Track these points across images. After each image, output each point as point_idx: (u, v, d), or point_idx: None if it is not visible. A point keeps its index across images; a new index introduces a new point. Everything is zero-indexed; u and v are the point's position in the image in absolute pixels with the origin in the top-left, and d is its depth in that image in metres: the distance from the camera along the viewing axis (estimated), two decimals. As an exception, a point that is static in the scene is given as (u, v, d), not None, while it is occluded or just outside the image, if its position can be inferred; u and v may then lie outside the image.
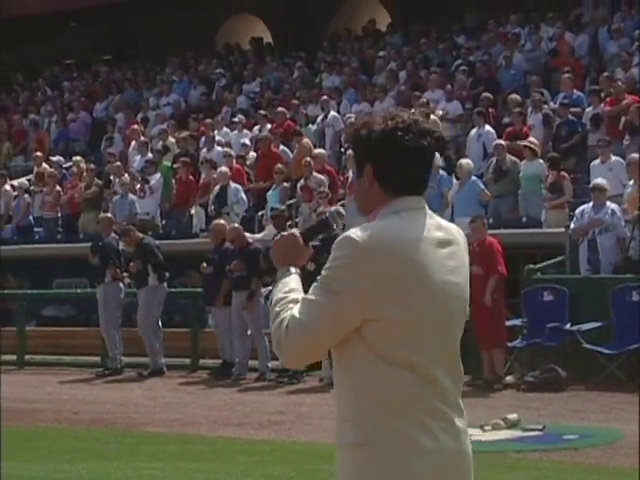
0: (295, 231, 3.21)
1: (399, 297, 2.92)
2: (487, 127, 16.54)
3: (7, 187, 19.81)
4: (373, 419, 2.95)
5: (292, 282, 3.08)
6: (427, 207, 3.06)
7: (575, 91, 17.22)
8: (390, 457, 2.93)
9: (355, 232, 2.97)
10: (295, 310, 2.97)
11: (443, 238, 3.03)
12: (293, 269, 3.13)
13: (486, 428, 9.49)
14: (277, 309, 3.01)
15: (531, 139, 15.68)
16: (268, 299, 13.58)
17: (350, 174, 16.10)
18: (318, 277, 3.01)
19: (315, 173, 16.35)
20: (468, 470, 3.07)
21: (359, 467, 2.97)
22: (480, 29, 21.69)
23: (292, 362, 3.15)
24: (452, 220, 15.27)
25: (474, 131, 16.64)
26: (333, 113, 18.97)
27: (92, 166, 19.38)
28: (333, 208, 17.75)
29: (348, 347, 2.96)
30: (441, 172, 15.40)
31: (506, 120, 17.25)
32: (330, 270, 2.97)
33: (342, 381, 3.04)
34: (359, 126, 3.09)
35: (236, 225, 14.48)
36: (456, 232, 3.11)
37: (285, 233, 3.19)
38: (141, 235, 14.55)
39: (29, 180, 20.27)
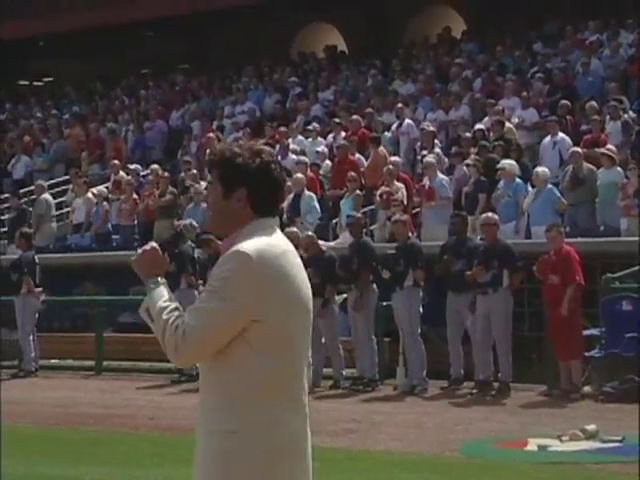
0: (154, 244, 3.61)
1: (279, 301, 3.40)
2: (562, 135, 16.36)
3: (89, 195, 20.09)
4: (246, 408, 3.35)
5: (164, 292, 3.50)
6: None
7: (655, 98, 16.98)
8: (261, 441, 3.34)
9: (243, 247, 3.40)
10: (187, 317, 3.39)
11: (294, 251, 3.55)
12: (160, 279, 3.54)
13: (563, 439, 9.37)
14: (165, 317, 3.42)
15: (609, 146, 15.48)
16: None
17: (427, 181, 16.05)
18: (205, 287, 3.47)
19: (396, 181, 16.32)
20: (310, 447, 3.54)
21: (230, 452, 3.35)
22: (558, 36, 21.48)
23: (187, 364, 3.64)
24: (528, 229, 15.14)
25: (548, 139, 16.47)
26: (408, 121, 18.92)
27: (166, 174, 19.55)
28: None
29: (229, 345, 3.38)
30: (517, 180, 15.27)
31: (584, 128, 17.05)
32: (222, 280, 3.39)
33: (217, 375, 3.41)
34: (231, 154, 3.52)
35: (310, 233, 14.50)
36: None
37: (147, 247, 3.59)
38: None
39: (107, 188, 20.54)
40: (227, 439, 3.35)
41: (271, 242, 3.47)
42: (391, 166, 16.51)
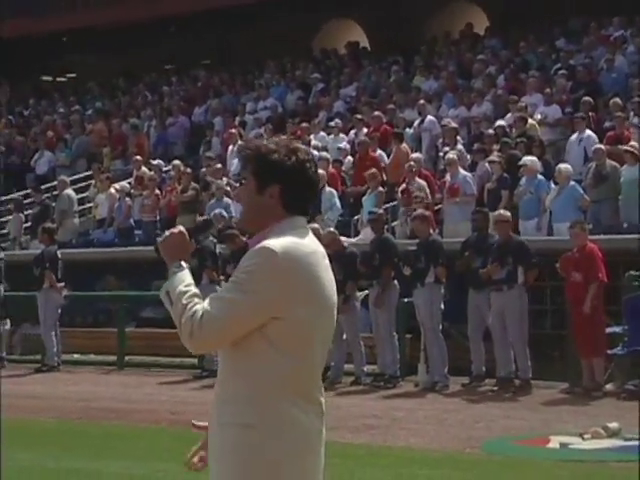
0: (182, 228, 3.61)
1: (302, 300, 3.39)
2: (588, 132, 16.29)
3: (111, 190, 20.16)
4: (263, 403, 3.36)
5: (187, 276, 3.50)
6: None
7: (679, 94, 16.87)
8: (277, 437, 3.35)
9: (271, 244, 3.40)
10: (207, 305, 3.40)
11: (323, 252, 3.54)
12: (184, 263, 3.54)
13: (586, 437, 9.34)
14: (184, 301, 3.42)
15: (633, 143, 15.40)
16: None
17: (448, 178, 16.03)
18: (231, 278, 3.47)
19: (417, 178, 16.29)
20: (323, 447, 3.53)
21: (247, 447, 3.36)
22: (581, 32, 21.38)
23: (200, 350, 3.61)
24: (550, 226, 15.10)
25: (575, 136, 16.40)
26: (430, 117, 18.89)
27: (189, 170, 19.59)
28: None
29: (247, 339, 3.38)
30: (539, 177, 15.22)
31: (607, 124, 16.97)
32: (247, 274, 3.39)
33: (234, 368, 3.43)
34: (267, 150, 3.52)
35: (332, 229, 14.50)
36: None
37: (174, 230, 3.59)
38: (244, 239, 14.63)
39: (129, 183, 20.60)
40: (243, 433, 3.35)
41: (300, 241, 3.46)
42: (412, 162, 16.49)
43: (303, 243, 3.46)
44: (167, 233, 3.59)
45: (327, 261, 3.55)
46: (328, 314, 3.51)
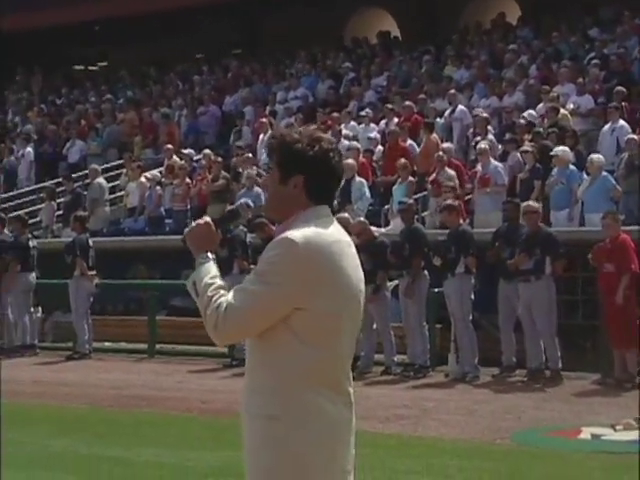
0: (208, 219, 3.64)
1: (325, 290, 3.38)
2: (621, 122, 16.18)
3: (142, 179, 20.24)
4: (288, 394, 3.36)
5: (213, 268, 3.53)
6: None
7: None
8: (303, 428, 3.35)
9: (292, 234, 3.39)
10: (231, 297, 3.41)
11: (349, 241, 3.54)
12: (210, 254, 3.57)
13: (617, 428, 9.30)
14: (210, 293, 3.45)
15: (666, 133, 15.29)
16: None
17: (479, 168, 15.97)
18: (253, 270, 3.48)
19: (447, 168, 16.25)
20: (353, 437, 3.52)
21: (273, 439, 3.37)
22: (614, 21, 21.21)
23: (224, 342, 3.60)
24: (582, 216, 15.01)
25: (608, 126, 16.29)
26: (461, 107, 18.83)
27: (219, 159, 19.62)
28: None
29: (272, 330, 3.39)
30: (571, 167, 15.14)
31: (640, 114, 16.86)
32: (269, 265, 3.40)
33: (260, 358, 3.44)
34: (291, 140, 3.52)
35: (362, 219, 14.49)
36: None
37: (200, 221, 3.62)
38: (274, 228, 14.65)
39: (160, 172, 20.67)
40: (269, 425, 3.38)
41: (322, 231, 3.45)
42: (441, 152, 16.44)
43: (326, 232, 3.46)
44: (193, 224, 3.63)
45: (353, 250, 3.53)
46: (354, 304, 3.49)
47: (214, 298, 3.43)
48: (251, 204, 16.16)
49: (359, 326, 3.58)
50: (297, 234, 3.39)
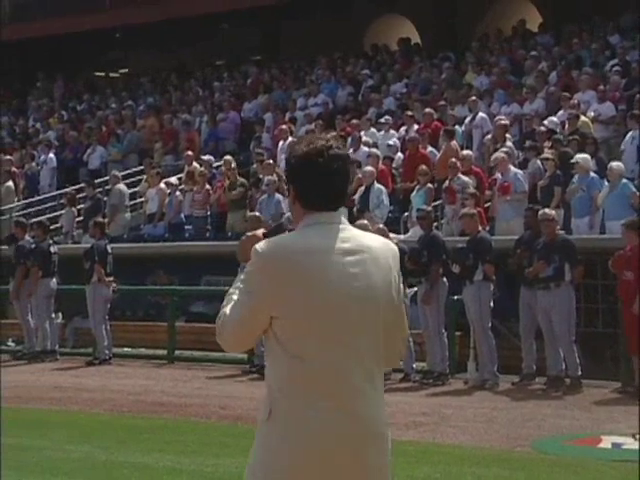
0: (259, 232, 3.70)
1: (292, 300, 3.38)
2: (642, 129, 16.13)
3: (162, 185, 20.30)
4: (273, 399, 3.41)
5: (239, 277, 3.57)
6: (343, 221, 3.49)
7: None
8: (281, 434, 3.37)
9: (260, 245, 3.46)
10: (227, 307, 3.52)
11: (348, 248, 3.44)
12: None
13: (638, 437, 9.25)
14: (224, 302, 3.57)
15: (687, 141, 15.22)
16: (414, 300, 13.57)
17: (498, 175, 15.94)
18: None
19: (460, 175, 16.23)
20: (360, 450, 3.43)
21: (257, 441, 3.43)
22: (636, 28, 21.14)
23: (226, 349, 3.64)
24: (602, 224, 14.96)
25: (630, 134, 16.24)
26: (481, 114, 18.80)
27: (233, 165, 19.51)
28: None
29: (266, 339, 3.47)
30: (591, 174, 15.09)
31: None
32: (246, 275, 3.48)
33: (266, 368, 3.55)
34: (290, 150, 3.58)
35: (381, 226, 14.48)
36: (371, 243, 3.50)
37: (250, 234, 3.69)
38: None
39: (179, 179, 20.72)
40: (259, 430, 3.44)
41: (293, 240, 3.46)
42: (454, 159, 16.42)
43: (295, 242, 3.44)
44: (248, 234, 3.71)
45: (351, 258, 3.43)
46: (334, 313, 3.40)
47: (222, 306, 3.55)
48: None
49: (357, 332, 3.43)
50: (263, 245, 3.44)
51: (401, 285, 3.60)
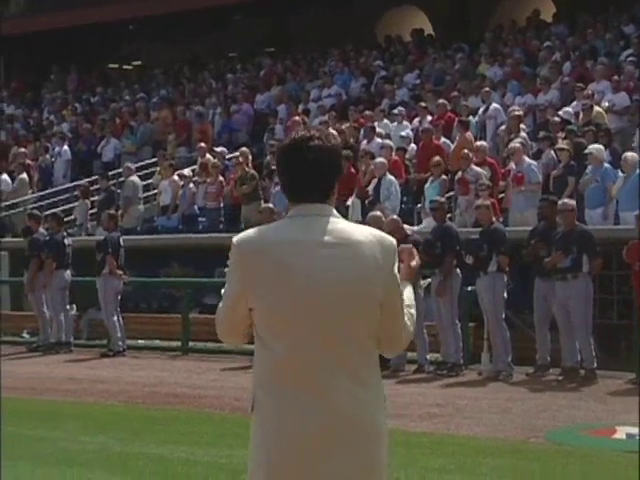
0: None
1: (266, 290, 3.34)
2: (657, 119, 16.08)
3: (175, 177, 20.31)
4: (255, 393, 3.42)
5: None
6: (331, 214, 3.41)
7: None
8: (262, 427, 3.38)
9: (237, 236, 3.44)
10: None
11: (326, 241, 3.35)
12: None
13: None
14: None
15: (702, 131, 15.15)
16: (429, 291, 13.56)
17: (512, 166, 15.90)
18: None
19: (473, 166, 16.19)
20: (337, 443, 3.33)
21: (251, 431, 3.44)
22: (650, 18, 21.09)
23: (221, 339, 3.63)
24: (616, 214, 14.91)
25: (645, 124, 16.20)
26: (494, 105, 18.75)
27: (241, 159, 19.41)
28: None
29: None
30: (605, 165, 15.04)
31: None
32: (228, 266, 3.47)
33: None
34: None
35: (395, 217, 14.46)
36: (357, 237, 3.39)
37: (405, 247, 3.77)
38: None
39: (193, 171, 20.73)
40: (251, 421, 3.45)
41: (268, 231, 3.44)
42: (466, 150, 16.38)
43: (279, 231, 3.41)
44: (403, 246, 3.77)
45: (329, 250, 3.35)
46: (305, 305, 3.33)
47: None
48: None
49: (334, 324, 3.35)
50: (237, 237, 3.44)
51: (397, 282, 3.48)
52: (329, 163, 3.45)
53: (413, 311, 3.62)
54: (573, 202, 13.03)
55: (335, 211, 3.47)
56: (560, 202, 13.00)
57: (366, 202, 17.03)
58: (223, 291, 3.49)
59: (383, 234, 3.50)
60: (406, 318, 3.55)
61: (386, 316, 3.46)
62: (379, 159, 17.22)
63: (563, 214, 12.68)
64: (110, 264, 15.93)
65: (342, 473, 3.34)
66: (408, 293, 3.63)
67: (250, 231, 3.44)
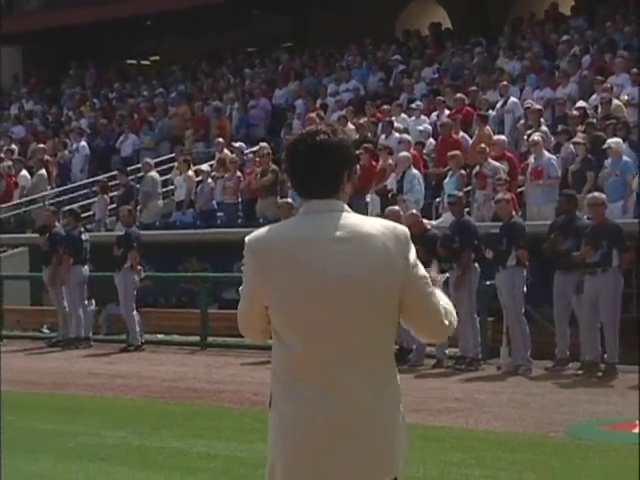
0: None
1: (281, 287, 3.34)
2: (676, 113, 16.00)
3: (190, 172, 20.33)
4: (272, 388, 3.44)
5: None
6: (342, 209, 3.39)
7: None
8: (277, 420, 3.39)
9: (249, 235, 3.44)
10: None
11: (338, 236, 3.33)
12: None
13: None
14: None
15: None
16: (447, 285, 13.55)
17: (532, 160, 15.85)
18: None
19: (490, 160, 16.15)
20: (352, 437, 3.32)
21: (270, 424, 3.44)
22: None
23: (244, 336, 3.64)
24: (637, 207, 14.85)
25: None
26: (513, 99, 18.70)
27: (265, 151, 19.50)
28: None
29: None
30: (625, 158, 14.98)
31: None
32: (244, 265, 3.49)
33: None
34: None
35: (414, 211, 14.45)
36: (370, 230, 3.37)
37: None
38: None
39: (211, 166, 20.76)
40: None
41: (279, 228, 3.45)
42: (483, 145, 16.33)
43: (291, 228, 3.43)
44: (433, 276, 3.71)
45: (341, 246, 3.33)
46: (325, 297, 3.32)
47: None
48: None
49: (348, 321, 3.34)
50: (249, 236, 3.45)
51: (417, 268, 3.46)
52: (336, 157, 3.42)
53: (449, 304, 3.58)
54: (603, 196, 12.87)
55: (346, 205, 3.46)
56: (590, 196, 12.90)
57: (389, 196, 16.95)
58: (240, 289, 3.52)
59: (395, 224, 3.48)
60: (444, 302, 3.53)
61: (414, 299, 3.44)
62: (403, 153, 17.17)
63: (593, 208, 12.57)
64: (133, 259, 15.98)
65: (356, 467, 3.35)
66: (439, 292, 3.61)
67: (262, 230, 3.45)
